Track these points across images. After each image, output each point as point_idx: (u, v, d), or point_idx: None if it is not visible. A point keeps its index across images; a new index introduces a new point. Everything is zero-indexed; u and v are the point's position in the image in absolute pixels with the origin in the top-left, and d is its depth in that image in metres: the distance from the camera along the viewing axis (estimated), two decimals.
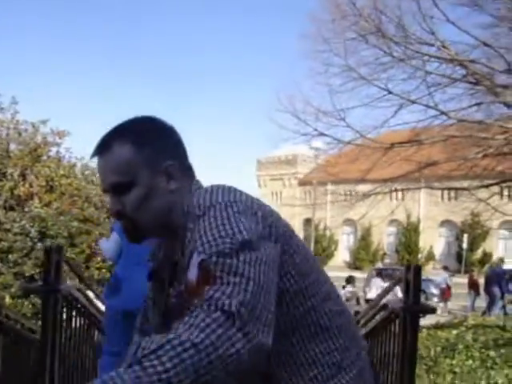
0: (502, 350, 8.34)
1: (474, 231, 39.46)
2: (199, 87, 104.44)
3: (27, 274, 12.68)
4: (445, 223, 47.01)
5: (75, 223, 13.31)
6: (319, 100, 14.85)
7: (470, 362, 8.10)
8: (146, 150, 1.33)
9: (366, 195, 12.68)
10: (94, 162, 15.77)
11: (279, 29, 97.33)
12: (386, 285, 18.09)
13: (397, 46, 11.38)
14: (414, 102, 11.77)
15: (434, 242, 48.09)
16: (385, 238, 50.14)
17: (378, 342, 4.45)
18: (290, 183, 58.84)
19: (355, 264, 48.77)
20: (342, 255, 51.29)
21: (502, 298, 18.60)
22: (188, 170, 1.42)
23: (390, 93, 11.80)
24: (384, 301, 4.70)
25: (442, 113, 11.59)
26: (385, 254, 47.77)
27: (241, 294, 1.07)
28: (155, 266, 1.49)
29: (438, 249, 48.54)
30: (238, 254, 1.12)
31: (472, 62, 11.05)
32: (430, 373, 7.78)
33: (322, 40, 12.16)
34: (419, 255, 46.65)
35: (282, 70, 36.62)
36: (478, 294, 20.45)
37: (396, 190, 13.88)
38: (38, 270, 12.28)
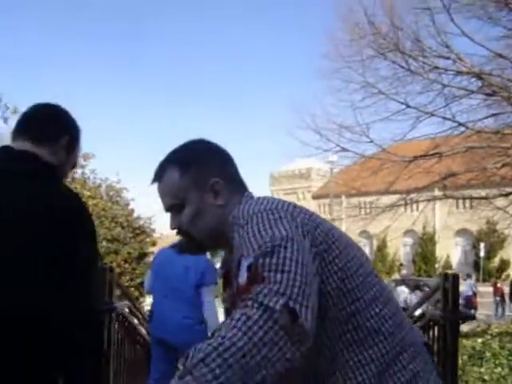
0: None
1: (490, 239, 39.24)
2: (209, 102, 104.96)
3: None
4: (460, 232, 46.73)
5: (104, 243, 13.42)
6: (339, 116, 14.93)
7: (499, 369, 8.01)
8: (191, 172, 1.49)
9: (388, 208, 12.72)
10: (117, 184, 16.07)
11: (290, 44, 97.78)
12: (411, 294, 18.32)
13: (414, 61, 11.54)
14: (432, 115, 11.88)
15: (450, 251, 47.83)
16: (401, 249, 49.93)
17: None
18: (304, 197, 58.78)
19: None
20: None
21: None
22: (238, 185, 1.56)
23: (408, 106, 11.93)
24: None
25: (460, 124, 11.70)
26: (401, 264, 47.54)
27: (288, 290, 1.09)
28: (224, 272, 1.60)
29: (455, 258, 48.26)
30: (280, 251, 1.16)
31: (488, 74, 11.17)
32: (458, 381, 7.81)
33: (340, 58, 12.37)
34: (436, 265, 46.43)
35: (296, 85, 36.84)
36: (503, 301, 20.50)
37: (417, 202, 13.89)
38: None
